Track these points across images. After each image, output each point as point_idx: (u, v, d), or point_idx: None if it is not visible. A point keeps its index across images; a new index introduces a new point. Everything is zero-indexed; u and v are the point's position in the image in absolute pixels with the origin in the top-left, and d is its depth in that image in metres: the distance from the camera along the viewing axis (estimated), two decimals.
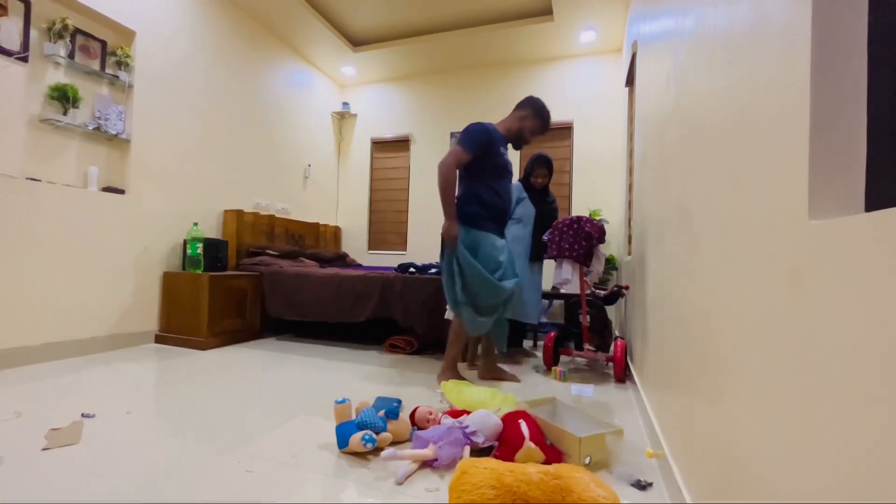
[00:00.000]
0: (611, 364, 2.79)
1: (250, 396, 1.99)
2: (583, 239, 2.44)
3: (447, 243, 2.21)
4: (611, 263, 4.07)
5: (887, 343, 0.38)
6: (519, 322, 2.97)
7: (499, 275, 2.25)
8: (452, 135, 4.94)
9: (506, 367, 2.61)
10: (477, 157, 2.23)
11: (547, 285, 3.90)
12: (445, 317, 2.65)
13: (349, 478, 1.27)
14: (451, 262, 2.24)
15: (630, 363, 2.60)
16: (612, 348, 2.68)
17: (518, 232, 2.95)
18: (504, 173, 2.34)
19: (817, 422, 0.49)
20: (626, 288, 2.72)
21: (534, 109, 2.39)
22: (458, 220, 2.24)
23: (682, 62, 1.29)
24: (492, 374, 2.41)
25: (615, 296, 2.72)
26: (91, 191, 2.74)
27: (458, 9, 3.95)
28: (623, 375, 2.46)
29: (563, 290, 2.57)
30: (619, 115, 4.32)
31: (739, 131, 0.77)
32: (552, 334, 2.69)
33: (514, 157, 4.74)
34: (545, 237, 2.61)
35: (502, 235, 2.38)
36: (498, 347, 2.45)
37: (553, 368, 2.56)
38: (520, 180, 3.09)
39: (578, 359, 2.97)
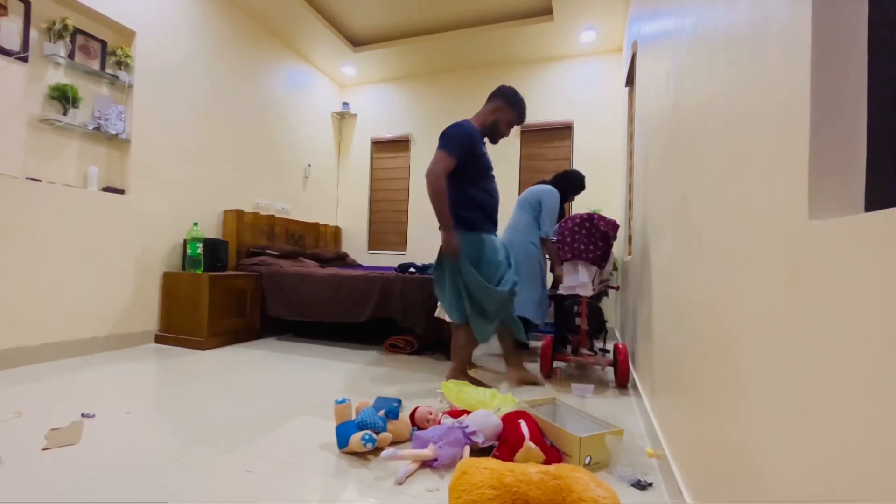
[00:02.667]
0: (609, 369, 2.69)
1: (250, 396, 1.99)
2: (599, 239, 2.25)
3: (449, 256, 2.11)
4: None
5: (888, 343, 0.38)
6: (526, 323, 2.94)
7: (499, 276, 2.22)
8: None
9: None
10: (462, 160, 2.14)
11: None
12: (436, 315, 2.63)
13: (349, 478, 1.27)
14: (454, 274, 2.16)
15: (631, 365, 2.53)
16: (610, 352, 2.58)
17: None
18: (490, 172, 2.28)
19: (818, 422, 0.49)
20: (616, 288, 2.60)
21: (506, 100, 2.25)
22: (459, 226, 2.16)
23: (682, 62, 1.30)
24: (521, 377, 2.33)
25: (600, 294, 2.62)
26: (91, 191, 2.74)
27: (458, 9, 3.95)
28: (626, 381, 2.32)
29: (579, 293, 2.39)
30: (619, 115, 4.32)
31: (740, 131, 0.77)
32: (549, 338, 2.55)
33: (499, 154, 4.74)
34: (554, 238, 2.45)
35: (496, 235, 2.33)
36: (518, 338, 2.35)
37: (554, 368, 2.53)
38: (549, 184, 2.96)
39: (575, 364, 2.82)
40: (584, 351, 2.51)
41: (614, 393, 2.25)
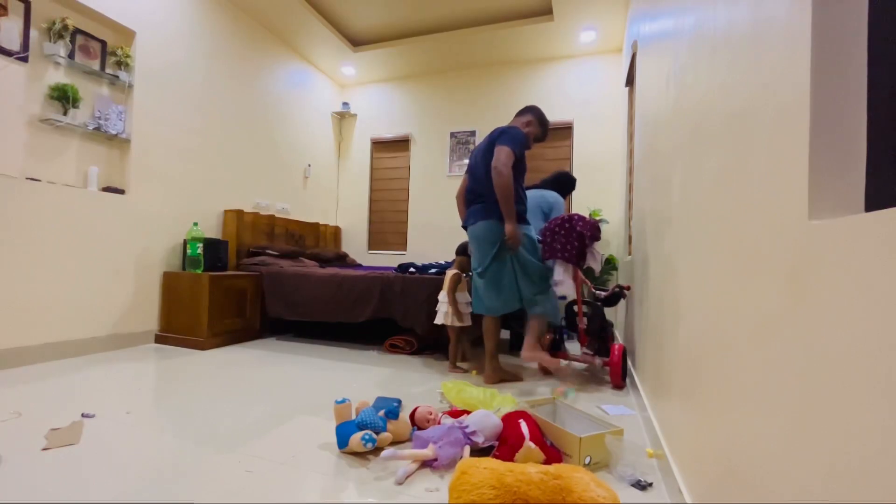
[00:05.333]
0: (607, 369, 2.59)
1: (250, 396, 1.99)
2: (574, 239, 2.31)
3: (512, 245, 2.23)
4: (611, 263, 4.07)
5: (887, 343, 0.38)
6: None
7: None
8: (453, 135, 4.94)
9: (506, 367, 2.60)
10: (517, 160, 2.30)
11: None
12: (436, 322, 2.63)
13: (349, 478, 1.27)
14: (512, 263, 2.29)
15: (631, 366, 2.50)
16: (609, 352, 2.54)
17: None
18: (525, 174, 2.44)
19: (817, 422, 0.49)
20: (628, 288, 2.59)
21: (537, 118, 2.47)
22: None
23: (682, 62, 1.30)
24: (498, 377, 2.38)
25: (616, 297, 2.60)
26: (91, 191, 2.74)
27: (457, 9, 3.95)
28: (621, 382, 2.31)
29: (558, 293, 2.44)
30: (619, 115, 4.32)
31: (739, 131, 0.77)
32: (547, 337, 2.60)
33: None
34: (537, 237, 2.50)
35: None
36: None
37: (555, 391, 2.29)
38: (550, 188, 3.14)
39: (576, 363, 2.78)
40: (584, 350, 2.55)
41: (612, 394, 2.23)
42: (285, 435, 1.56)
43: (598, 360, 2.43)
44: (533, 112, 2.48)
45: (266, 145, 4.24)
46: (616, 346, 2.35)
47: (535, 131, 2.47)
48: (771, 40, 0.64)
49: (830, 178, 0.51)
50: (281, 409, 1.83)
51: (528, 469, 1.07)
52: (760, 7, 0.69)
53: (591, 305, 2.55)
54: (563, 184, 3.16)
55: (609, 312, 4.12)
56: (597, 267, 2.41)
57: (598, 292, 2.66)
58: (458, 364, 2.70)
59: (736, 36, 0.80)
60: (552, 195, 3.03)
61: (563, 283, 2.35)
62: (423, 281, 2.98)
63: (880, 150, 0.48)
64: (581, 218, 2.36)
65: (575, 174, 4.49)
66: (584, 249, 2.33)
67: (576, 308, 2.57)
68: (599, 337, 2.55)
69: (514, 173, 2.28)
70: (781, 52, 0.61)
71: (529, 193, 3.07)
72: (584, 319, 2.50)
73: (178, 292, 3.10)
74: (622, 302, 3.38)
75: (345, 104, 5.30)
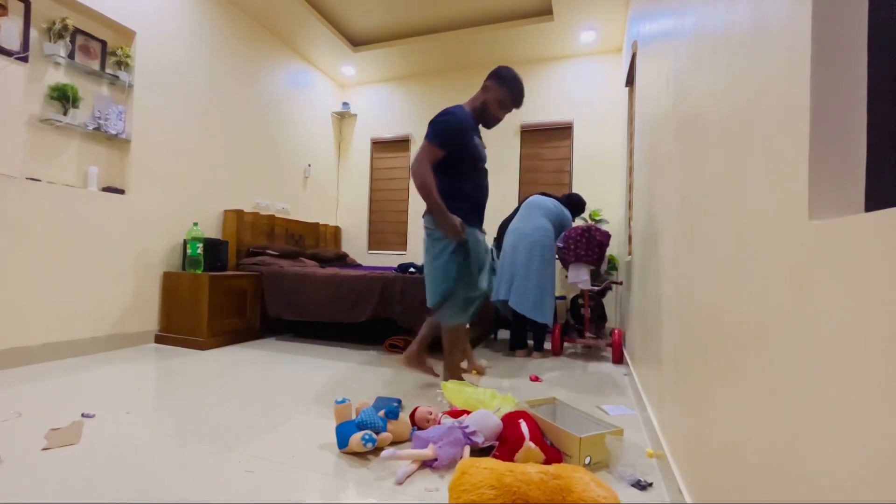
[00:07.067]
0: (609, 348, 3.31)
1: (250, 396, 1.99)
2: (595, 246, 2.97)
3: (452, 236, 2.06)
4: (611, 263, 4.08)
5: (887, 343, 0.38)
6: (538, 323, 3.02)
7: (480, 272, 2.26)
8: None
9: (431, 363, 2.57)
10: (452, 152, 2.04)
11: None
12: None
13: (349, 478, 1.27)
14: (448, 257, 2.12)
15: (626, 354, 2.83)
16: (608, 336, 3.36)
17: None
18: (480, 165, 2.20)
19: (817, 422, 0.49)
20: (620, 283, 3.23)
21: (498, 79, 2.11)
22: None
23: (682, 62, 1.30)
24: (420, 367, 2.30)
25: (605, 290, 3.35)
26: (91, 191, 2.74)
27: (458, 9, 3.95)
28: (620, 358, 2.92)
29: (578, 285, 3.04)
30: (619, 115, 4.32)
31: (739, 131, 0.77)
32: (558, 326, 3.19)
33: (498, 153, 4.73)
34: (559, 244, 3.05)
35: (482, 230, 2.33)
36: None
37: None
38: (564, 207, 3.21)
39: (580, 344, 3.40)
40: (588, 335, 3.17)
41: (613, 367, 2.85)
42: (285, 435, 1.56)
43: (601, 342, 3.09)
44: (493, 75, 2.11)
45: (266, 145, 4.24)
46: (616, 331, 3.04)
47: (498, 95, 2.10)
48: (771, 40, 0.64)
49: (830, 178, 0.51)
50: (281, 409, 1.83)
51: (528, 469, 1.07)
52: (760, 7, 0.69)
53: (593, 299, 3.14)
54: (573, 203, 3.40)
55: (608, 310, 4.27)
56: (603, 267, 3.04)
57: (591, 287, 3.21)
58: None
59: (736, 36, 0.80)
60: (566, 212, 3.21)
61: (587, 280, 3.01)
62: (423, 281, 2.98)
63: (880, 150, 0.48)
64: (598, 229, 2.96)
65: (575, 174, 4.50)
66: (603, 255, 2.98)
67: (581, 301, 3.25)
68: (597, 324, 3.32)
69: (455, 166, 2.08)
70: (781, 52, 0.61)
71: (550, 201, 3.11)
72: (589, 310, 3.12)
73: (178, 292, 3.10)
74: (619, 299, 3.95)
75: (345, 104, 5.30)
